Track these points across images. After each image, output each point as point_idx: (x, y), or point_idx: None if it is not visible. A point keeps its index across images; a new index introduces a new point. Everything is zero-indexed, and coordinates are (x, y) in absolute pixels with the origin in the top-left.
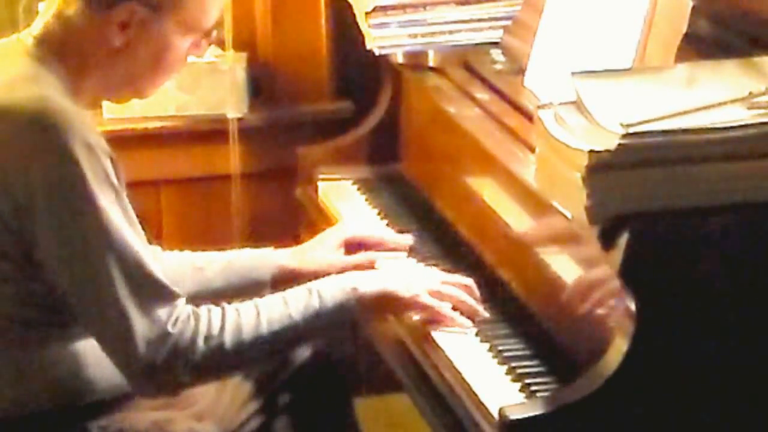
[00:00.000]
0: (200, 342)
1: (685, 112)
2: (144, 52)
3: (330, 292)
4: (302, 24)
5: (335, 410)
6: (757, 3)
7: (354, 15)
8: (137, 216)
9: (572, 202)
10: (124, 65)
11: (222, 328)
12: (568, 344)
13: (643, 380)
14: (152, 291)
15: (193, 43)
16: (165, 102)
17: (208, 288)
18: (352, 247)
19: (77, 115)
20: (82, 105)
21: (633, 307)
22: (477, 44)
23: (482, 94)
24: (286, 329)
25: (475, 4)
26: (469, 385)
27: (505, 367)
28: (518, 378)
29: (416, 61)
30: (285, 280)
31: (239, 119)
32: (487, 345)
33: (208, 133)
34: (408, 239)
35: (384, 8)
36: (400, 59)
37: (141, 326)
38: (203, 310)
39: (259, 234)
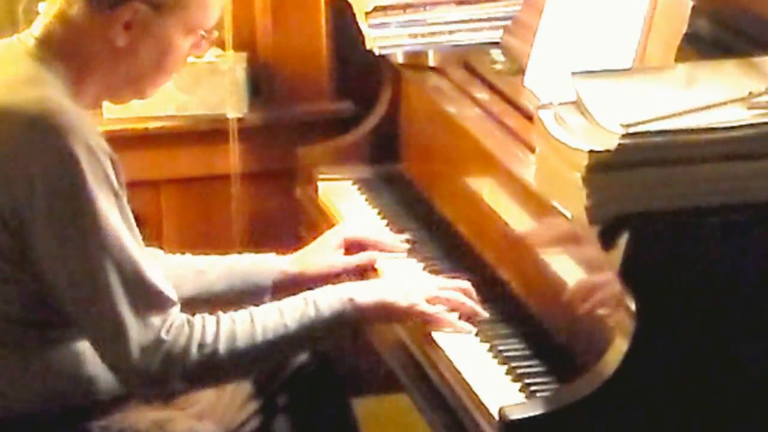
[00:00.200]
0: (194, 350)
1: (685, 112)
2: (146, 51)
3: (326, 301)
4: (302, 24)
5: (334, 410)
6: (757, 3)
7: (354, 15)
8: (137, 216)
9: (572, 202)
10: (127, 65)
11: (216, 337)
12: (568, 344)
13: (643, 380)
14: (147, 296)
15: (194, 43)
16: (165, 102)
17: (209, 291)
18: (352, 247)
19: (78, 116)
20: (84, 105)
21: (633, 307)
22: (477, 44)
23: (482, 94)
24: (281, 338)
25: (475, 4)
26: (469, 385)
27: (505, 367)
28: (518, 378)
29: (416, 61)
30: (286, 285)
31: (239, 119)
32: (487, 345)
33: (208, 133)
34: (405, 245)
35: (384, 8)
36: (400, 59)
37: (135, 332)
38: (197, 318)
39: (259, 234)
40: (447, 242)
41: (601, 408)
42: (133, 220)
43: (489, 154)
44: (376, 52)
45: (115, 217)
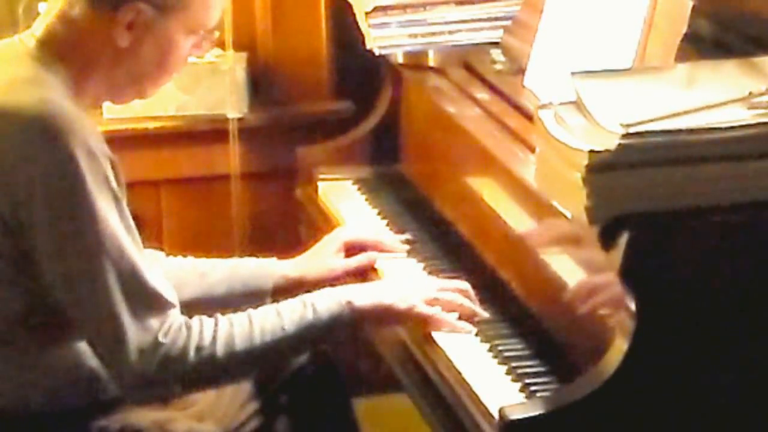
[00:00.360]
0: (191, 352)
1: (685, 112)
2: (148, 52)
3: (324, 304)
4: (302, 24)
5: (335, 410)
6: (757, 3)
7: (354, 15)
8: (137, 216)
9: (572, 202)
10: (128, 66)
11: (214, 339)
12: (568, 344)
13: (643, 380)
14: (146, 299)
15: (195, 43)
16: (165, 102)
17: (210, 294)
18: (352, 250)
19: (79, 118)
20: (84, 106)
21: (633, 307)
22: (477, 44)
23: (482, 94)
24: (279, 341)
25: (475, 4)
26: (469, 385)
27: (505, 367)
28: (518, 378)
29: (416, 61)
30: (287, 289)
31: (239, 119)
32: (487, 345)
33: (208, 133)
34: (405, 245)
35: (384, 8)
36: (400, 59)
37: (133, 334)
38: (195, 320)
39: (259, 234)
40: (447, 242)
41: (601, 408)
42: (132, 223)
43: (489, 154)
44: (376, 52)
45: (114, 219)
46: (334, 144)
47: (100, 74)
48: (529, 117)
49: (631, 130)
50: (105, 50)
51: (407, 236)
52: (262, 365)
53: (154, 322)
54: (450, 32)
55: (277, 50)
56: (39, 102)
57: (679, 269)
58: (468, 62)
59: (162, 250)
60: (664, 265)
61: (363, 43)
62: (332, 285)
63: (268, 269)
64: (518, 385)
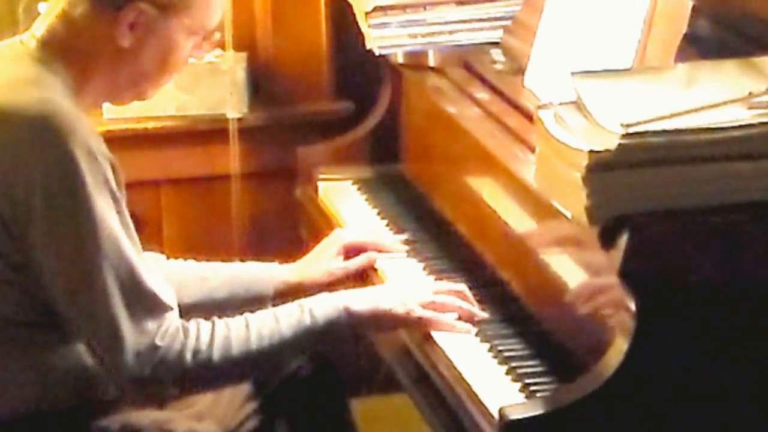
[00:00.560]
0: (188, 356)
1: (685, 112)
2: (150, 52)
3: (321, 309)
4: (302, 24)
5: (332, 410)
6: (757, 3)
7: (354, 15)
8: (137, 216)
9: (572, 202)
10: (129, 66)
11: (211, 343)
12: (568, 344)
13: (643, 380)
14: (144, 301)
15: (196, 44)
16: (165, 102)
17: (211, 298)
18: (351, 253)
19: (80, 119)
20: (84, 107)
21: (633, 307)
22: (477, 44)
23: (482, 94)
24: (276, 346)
25: (475, 4)
26: (469, 385)
27: (505, 367)
28: (518, 378)
29: (416, 61)
30: (288, 294)
31: (239, 119)
32: (487, 345)
33: (208, 133)
34: (404, 246)
35: (384, 8)
36: (400, 59)
37: (130, 336)
38: (192, 324)
39: (259, 234)
40: (447, 242)
41: (601, 408)
42: (131, 224)
43: (489, 154)
44: (376, 52)
45: (113, 220)
46: (334, 144)
47: (100, 75)
48: (529, 117)
49: (631, 130)
50: (106, 51)
51: (406, 236)
52: (259, 369)
53: (151, 325)
54: (450, 32)
55: (277, 50)
56: (39, 103)
57: (679, 269)
58: (468, 62)
59: (162, 250)
60: (664, 265)
61: (363, 43)
62: (332, 288)
63: (270, 274)
64: (518, 385)
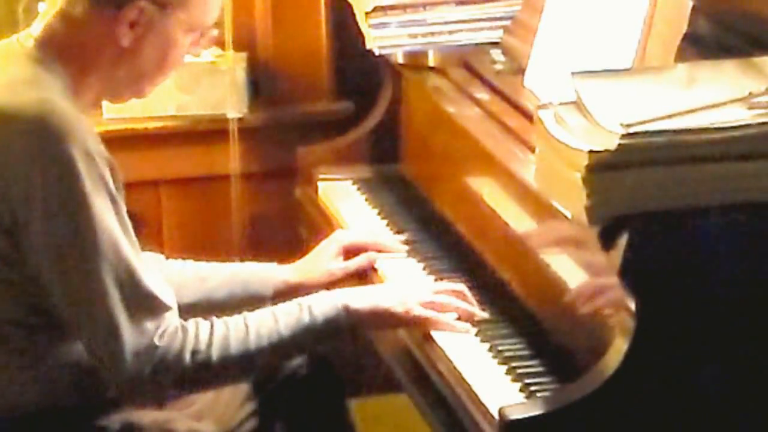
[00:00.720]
0: (187, 356)
1: (685, 112)
2: (149, 50)
3: (320, 308)
4: (302, 24)
5: (331, 410)
6: (757, 3)
7: (354, 15)
8: (137, 216)
9: (572, 202)
10: (129, 64)
11: (209, 343)
12: (568, 344)
13: (643, 380)
14: (142, 301)
15: (194, 40)
16: (165, 102)
17: (210, 298)
18: (351, 253)
19: (77, 120)
20: (83, 106)
21: (633, 307)
22: (477, 44)
23: (482, 94)
24: (275, 345)
25: (475, 4)
26: (469, 385)
27: (505, 367)
28: (518, 378)
29: (416, 61)
30: (287, 294)
31: (239, 119)
32: (487, 345)
33: (208, 133)
34: (404, 246)
35: (384, 8)
36: (400, 59)
37: (129, 337)
38: (191, 323)
39: (259, 234)
40: (447, 242)
41: (601, 408)
42: (129, 225)
43: (489, 154)
44: (376, 52)
45: (111, 221)
46: (334, 144)
47: (99, 74)
48: (529, 117)
49: (631, 130)
50: (106, 49)
51: (406, 236)
52: (258, 369)
53: (150, 325)
54: (450, 32)
55: (277, 50)
56: (37, 104)
57: (679, 269)
58: (468, 62)
59: (162, 250)
60: (664, 265)
61: (363, 43)
62: (331, 288)
63: (269, 274)
64: (518, 385)
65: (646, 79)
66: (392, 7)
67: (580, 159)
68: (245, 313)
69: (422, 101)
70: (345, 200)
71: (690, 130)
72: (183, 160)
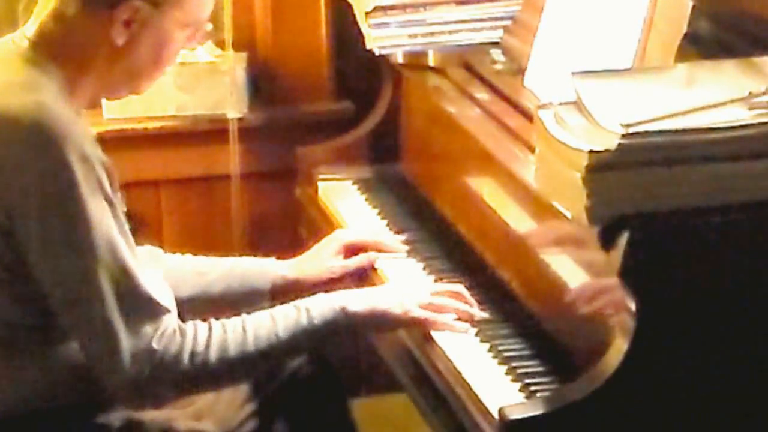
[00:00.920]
0: (185, 358)
1: (685, 112)
2: (144, 48)
3: (319, 310)
4: (302, 24)
5: (332, 411)
6: (757, 3)
7: (354, 15)
8: (137, 216)
9: (572, 202)
10: (124, 63)
11: (207, 345)
12: (568, 344)
13: (643, 380)
14: (140, 304)
15: (189, 36)
16: (165, 102)
17: (208, 293)
18: (352, 252)
19: (74, 123)
20: (79, 106)
21: (633, 307)
22: (477, 44)
23: (482, 94)
24: (273, 347)
25: (475, 4)
26: (469, 385)
27: (505, 367)
28: (518, 378)
29: (416, 61)
30: (285, 290)
31: (239, 119)
32: (487, 345)
33: (208, 133)
34: (404, 246)
35: (384, 8)
36: (400, 59)
37: (127, 341)
38: (189, 325)
39: (259, 234)
40: (447, 242)
41: (601, 408)
42: (127, 227)
43: (489, 154)
44: (376, 52)
45: (108, 225)
46: (334, 144)
47: (95, 73)
48: (529, 117)
49: (631, 130)
50: (100, 49)
51: (406, 236)
52: (256, 371)
53: (148, 328)
54: (450, 32)
55: (277, 50)
56: (33, 107)
57: (679, 269)
58: (468, 62)
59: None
60: (664, 265)
61: (363, 43)
62: (330, 287)
63: (267, 269)
64: (518, 385)
65: (646, 79)
66: (392, 7)
67: (580, 159)
68: (243, 315)
69: (422, 101)
70: (345, 200)
71: (690, 130)
72: (183, 160)
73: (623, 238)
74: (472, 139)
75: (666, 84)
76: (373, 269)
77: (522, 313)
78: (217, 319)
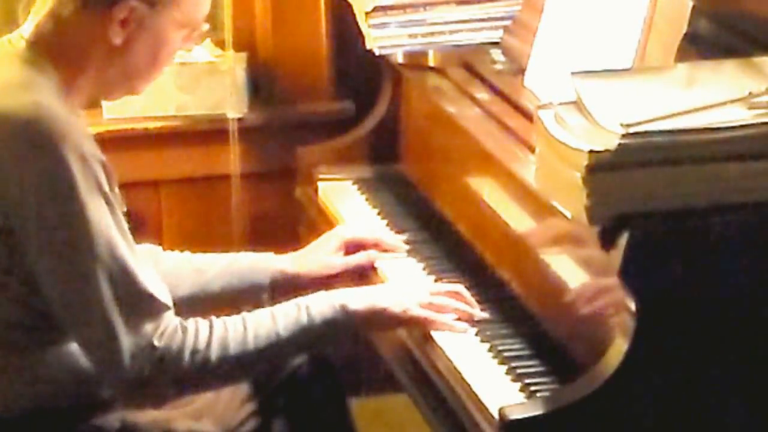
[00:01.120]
0: (186, 356)
1: (685, 112)
2: (141, 48)
3: (318, 308)
4: (302, 24)
5: (332, 410)
6: (757, 3)
7: (354, 15)
8: (137, 216)
9: (572, 202)
10: (121, 63)
11: (208, 343)
12: (568, 344)
13: (643, 380)
14: (140, 303)
15: (185, 36)
16: (165, 102)
17: (207, 290)
18: (352, 249)
19: (71, 122)
20: (76, 106)
21: (633, 307)
22: (477, 44)
23: (482, 94)
24: (273, 345)
25: (475, 4)
26: (469, 385)
27: (505, 367)
28: (518, 378)
29: (416, 61)
30: (284, 285)
31: (239, 119)
32: (487, 345)
33: (208, 133)
34: (405, 246)
35: (384, 8)
36: (400, 59)
37: (127, 339)
38: (191, 323)
39: (259, 234)
40: (447, 242)
41: (601, 408)
42: (125, 226)
43: (489, 154)
44: (376, 52)
45: (106, 224)
46: (334, 144)
47: (92, 73)
48: (529, 117)
49: (631, 130)
50: (97, 49)
51: (406, 236)
52: (257, 369)
53: (148, 327)
54: (450, 32)
55: (277, 50)
56: (30, 107)
57: (679, 269)
58: (468, 62)
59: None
60: (664, 265)
61: (363, 43)
62: (329, 284)
63: (266, 264)
64: (518, 385)
65: (646, 79)
66: (392, 7)
67: (580, 159)
68: (244, 314)
69: (422, 101)
70: (345, 200)
71: (690, 130)
72: (183, 160)
73: (623, 238)
74: (472, 139)
75: (666, 84)
76: (373, 269)
77: (522, 313)
78: (217, 316)
